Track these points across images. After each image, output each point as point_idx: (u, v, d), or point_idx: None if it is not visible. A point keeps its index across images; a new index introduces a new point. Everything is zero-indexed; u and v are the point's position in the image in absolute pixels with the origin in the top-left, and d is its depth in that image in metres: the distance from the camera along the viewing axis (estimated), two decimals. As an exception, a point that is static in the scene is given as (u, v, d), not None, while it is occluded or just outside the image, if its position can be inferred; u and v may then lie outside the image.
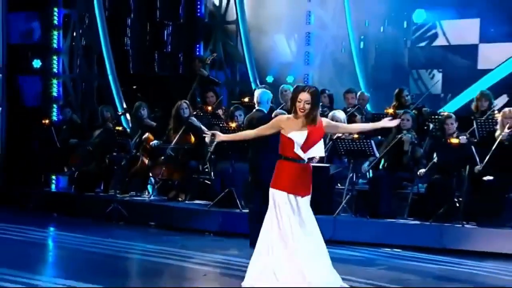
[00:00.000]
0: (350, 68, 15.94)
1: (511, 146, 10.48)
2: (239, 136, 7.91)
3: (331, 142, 11.46)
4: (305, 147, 7.27)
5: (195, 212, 12.20)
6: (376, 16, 15.91)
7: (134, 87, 15.47)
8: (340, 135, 11.27)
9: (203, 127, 12.75)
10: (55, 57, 16.15)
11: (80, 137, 14.60)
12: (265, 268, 7.27)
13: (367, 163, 11.63)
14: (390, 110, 12.55)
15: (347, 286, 7.43)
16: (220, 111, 13.90)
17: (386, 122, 7.59)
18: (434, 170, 11.01)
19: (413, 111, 12.25)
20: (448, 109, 14.15)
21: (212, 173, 12.89)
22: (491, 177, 10.48)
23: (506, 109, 10.82)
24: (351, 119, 12.28)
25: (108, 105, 14.89)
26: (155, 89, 15.63)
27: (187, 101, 13.07)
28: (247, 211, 10.84)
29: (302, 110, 7.27)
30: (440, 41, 15.82)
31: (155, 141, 13.21)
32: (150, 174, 13.56)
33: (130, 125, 14.73)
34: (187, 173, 12.85)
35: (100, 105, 15.08)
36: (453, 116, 11.21)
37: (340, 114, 11.59)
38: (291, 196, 7.29)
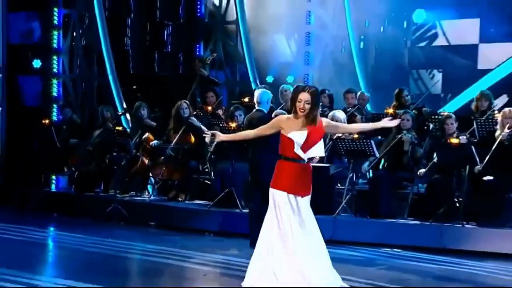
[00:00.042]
0: (350, 68, 15.94)
1: (511, 146, 10.47)
2: (239, 136, 7.90)
3: (331, 142, 11.46)
4: (305, 147, 7.27)
5: (195, 212, 12.20)
6: (376, 16, 15.91)
7: (134, 87, 15.45)
8: (340, 135, 11.27)
9: (203, 127, 12.75)
10: (55, 57, 16.14)
11: (80, 137, 14.59)
12: (265, 268, 7.26)
13: (367, 163, 11.63)
14: (390, 110, 12.55)
15: (347, 286, 7.42)
16: (220, 111, 13.90)
17: (386, 122, 7.58)
18: (434, 170, 11.01)
19: (413, 111, 12.25)
20: (448, 109, 14.15)
21: (212, 173, 12.88)
22: (491, 177, 10.48)
23: (506, 109, 10.82)
24: (351, 119, 12.27)
25: (108, 105, 14.89)
26: (155, 89, 15.61)
27: (187, 101, 13.06)
28: (247, 211, 10.84)
29: (302, 110, 7.27)
30: (440, 41, 15.82)
31: (155, 141, 13.20)
32: (150, 174, 13.55)
33: (130, 125, 14.72)
34: (187, 173, 12.84)
35: (100, 105, 15.07)
36: (453, 116, 11.20)
37: (340, 114, 11.59)
38: (291, 196, 7.28)
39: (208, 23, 16.91)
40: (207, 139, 12.36)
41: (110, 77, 16.11)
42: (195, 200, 12.82)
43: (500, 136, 10.49)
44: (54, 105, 16.15)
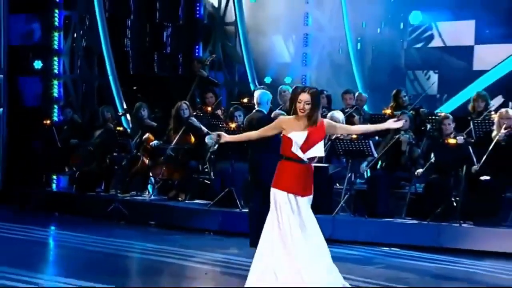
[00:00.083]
0: (347, 69, 15.96)
1: (508, 146, 10.49)
2: (243, 137, 7.87)
3: (329, 142, 11.45)
4: (305, 147, 7.24)
5: (195, 211, 12.19)
6: (373, 18, 15.94)
7: (134, 87, 15.43)
8: (338, 135, 11.26)
9: (203, 127, 12.75)
10: (56, 58, 16.10)
11: (81, 137, 14.57)
12: (266, 269, 7.24)
13: (365, 163, 11.63)
14: (388, 111, 12.57)
15: (348, 285, 7.39)
16: (219, 112, 13.89)
17: (390, 124, 7.54)
18: (431, 170, 11.00)
19: (411, 111, 12.26)
20: (444, 109, 14.13)
21: (211, 173, 12.86)
22: (488, 177, 10.50)
23: (503, 110, 10.84)
24: (349, 120, 12.27)
25: (109, 106, 14.86)
26: (155, 90, 15.59)
27: (187, 102, 13.06)
28: (247, 210, 10.83)
29: (302, 111, 7.24)
30: (436, 43, 15.85)
31: (155, 141, 13.18)
32: (151, 174, 13.54)
33: (131, 125, 14.69)
34: (187, 173, 12.84)
35: (101, 105, 15.05)
36: (450, 116, 11.21)
37: (338, 114, 11.58)
38: (291, 195, 7.25)
39: (207, 25, 16.93)
40: (207, 140, 12.46)
41: (110, 78, 16.08)
42: (195, 199, 12.81)
43: (497, 137, 10.50)
44: (55, 106, 16.11)
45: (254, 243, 10.13)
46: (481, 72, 15.02)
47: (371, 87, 15.53)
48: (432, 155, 11.01)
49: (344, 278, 7.63)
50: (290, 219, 7.22)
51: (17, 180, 15.38)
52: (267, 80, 16.19)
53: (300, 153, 7.23)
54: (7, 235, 11.33)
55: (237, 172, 11.75)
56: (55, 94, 16.11)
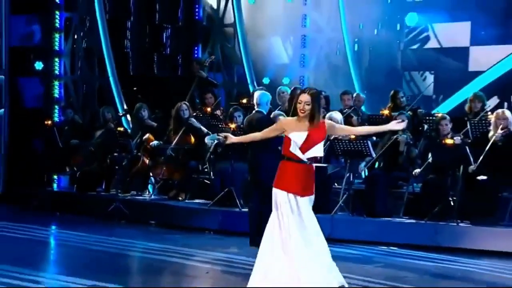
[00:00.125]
0: (344, 70, 15.96)
1: (504, 146, 10.50)
2: (248, 138, 7.88)
3: (328, 142, 11.42)
4: (304, 147, 7.24)
5: (195, 211, 12.18)
6: (370, 19, 15.95)
7: (135, 88, 15.40)
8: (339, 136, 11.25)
9: (202, 128, 12.74)
10: (57, 59, 16.09)
11: (81, 138, 14.55)
12: (269, 269, 7.22)
13: (363, 163, 11.63)
14: (386, 112, 12.57)
15: (346, 285, 7.36)
16: (218, 112, 13.87)
17: (393, 126, 7.53)
18: (429, 170, 11.01)
19: (409, 112, 12.25)
20: (440, 110, 14.18)
21: (211, 173, 12.83)
22: (484, 177, 10.49)
23: (499, 111, 10.84)
24: (347, 120, 12.27)
25: (109, 106, 14.83)
26: (154, 90, 15.56)
27: (187, 103, 13.05)
28: (246, 210, 10.83)
29: (302, 111, 7.25)
30: (432, 44, 15.85)
31: (155, 142, 13.17)
32: (151, 174, 13.51)
33: (131, 126, 14.67)
34: (187, 173, 12.82)
35: (101, 106, 15.03)
36: (448, 117, 11.22)
37: (337, 115, 11.56)
38: (291, 195, 7.25)
39: (206, 26, 16.93)
40: (207, 140, 12.49)
41: (111, 79, 16.06)
42: (195, 199, 12.80)
43: (494, 137, 10.50)
44: (56, 106, 16.08)
45: (254, 242, 10.19)
46: (477, 73, 15.00)
47: (368, 88, 15.53)
48: (430, 155, 11.01)
49: (344, 277, 7.64)
50: (289, 218, 7.22)
51: (19, 180, 15.34)
52: (265, 81, 16.18)
53: (299, 153, 7.23)
54: (9, 234, 11.32)
55: (237, 172, 11.74)
56: (56, 95, 16.10)
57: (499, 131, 10.50)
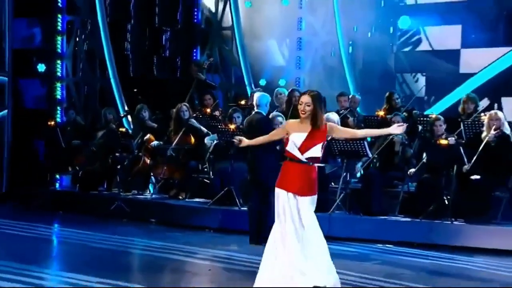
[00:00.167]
0: (339, 72, 15.96)
1: (497, 147, 10.50)
2: (258, 141, 7.87)
3: (325, 142, 11.40)
4: (303, 148, 7.23)
5: (195, 209, 12.16)
6: (364, 23, 15.95)
7: (135, 90, 15.35)
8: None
9: (202, 128, 12.73)
10: (59, 62, 16.01)
11: (83, 138, 14.50)
12: (273, 268, 7.20)
13: (360, 164, 11.61)
14: (381, 113, 12.57)
15: (339, 285, 7.30)
16: (217, 113, 13.85)
17: (394, 129, 7.52)
18: (423, 170, 11.01)
19: (404, 113, 12.24)
20: (432, 111, 14.17)
21: (211, 172, 12.80)
22: (478, 176, 10.49)
23: (492, 112, 10.86)
24: (344, 121, 12.25)
25: (111, 107, 14.78)
26: (154, 92, 15.53)
27: (187, 104, 13.04)
28: (246, 208, 10.81)
29: (303, 112, 7.26)
30: (424, 46, 15.87)
31: (155, 142, 13.16)
32: (152, 174, 13.47)
33: (132, 126, 14.63)
34: (187, 173, 12.79)
35: (102, 107, 14.99)
36: (442, 118, 11.22)
37: (334, 116, 11.54)
38: (291, 195, 7.25)
39: (204, 29, 16.95)
40: (207, 140, 12.47)
41: (112, 80, 16.02)
42: (195, 198, 12.76)
43: (487, 138, 10.50)
44: (58, 107, 16.02)
45: (254, 240, 10.20)
46: (468, 75, 15.01)
47: (362, 89, 15.51)
48: (424, 155, 11.02)
49: (342, 273, 7.71)
50: (288, 218, 7.20)
51: (22, 180, 15.28)
52: (262, 82, 16.18)
53: (297, 153, 7.24)
54: (13, 232, 11.29)
55: (236, 172, 11.71)
56: (58, 96, 16.03)
57: (492, 131, 10.50)
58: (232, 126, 11.73)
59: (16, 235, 11.12)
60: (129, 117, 14.90)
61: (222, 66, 16.67)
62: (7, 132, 15.85)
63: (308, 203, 7.25)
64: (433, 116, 11.58)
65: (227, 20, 16.53)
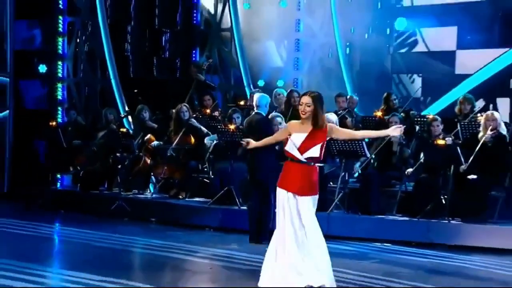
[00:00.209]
0: (337, 73, 15.96)
1: (494, 147, 10.51)
2: (264, 142, 7.84)
3: (325, 142, 11.38)
4: (302, 148, 7.22)
5: (196, 209, 12.14)
6: (361, 24, 15.95)
7: (135, 90, 15.32)
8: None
9: (202, 128, 12.71)
10: (60, 62, 15.99)
11: (84, 138, 14.47)
12: (273, 270, 7.18)
13: (358, 164, 11.61)
14: (379, 113, 12.57)
15: (335, 286, 7.27)
16: (216, 113, 13.83)
17: (393, 131, 7.51)
18: (421, 170, 11.02)
19: (401, 114, 12.23)
20: (428, 112, 14.16)
21: (210, 172, 12.78)
22: (474, 176, 10.50)
23: (489, 112, 10.86)
24: (342, 121, 12.23)
25: (111, 108, 14.75)
26: (154, 93, 15.50)
27: (186, 105, 13.02)
28: (245, 208, 10.80)
29: (303, 113, 7.25)
30: (420, 48, 15.86)
31: (155, 142, 13.13)
32: (152, 173, 13.44)
33: (132, 126, 14.61)
34: (187, 172, 12.77)
35: (103, 107, 14.96)
36: (439, 118, 11.22)
37: (332, 116, 11.52)
38: (291, 194, 7.24)
39: (204, 30, 16.93)
40: (207, 141, 12.46)
41: (112, 81, 15.99)
42: (195, 197, 12.74)
43: (483, 138, 10.49)
44: (59, 108, 15.99)
45: (253, 239, 10.19)
46: (463, 76, 15.01)
47: (360, 90, 15.51)
48: (422, 155, 11.04)
49: (341, 272, 7.75)
50: (288, 218, 7.19)
51: (23, 180, 15.26)
52: (260, 83, 16.17)
53: (296, 153, 7.23)
54: (15, 231, 11.27)
55: (236, 171, 11.70)
56: (59, 97, 16.01)
57: (489, 132, 10.51)
58: (232, 127, 11.71)
59: (18, 234, 11.11)
60: (129, 117, 14.87)
61: (221, 67, 16.66)
62: (9, 133, 15.84)
63: (309, 203, 7.24)
64: (430, 116, 11.57)
65: (226, 21, 16.52)
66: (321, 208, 10.77)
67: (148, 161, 13.23)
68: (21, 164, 15.72)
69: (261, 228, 10.11)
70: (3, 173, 15.64)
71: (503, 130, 10.68)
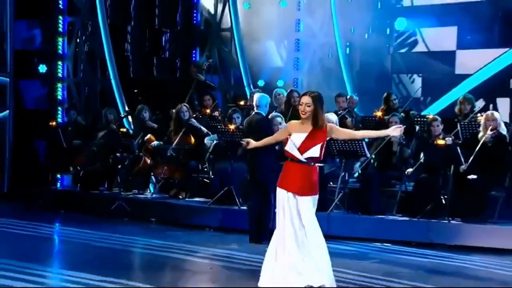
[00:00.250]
0: (337, 73, 15.96)
1: (494, 147, 10.50)
2: (264, 142, 7.84)
3: (325, 142, 11.37)
4: (302, 148, 7.21)
5: (196, 209, 12.14)
6: (361, 24, 15.95)
7: (135, 90, 15.32)
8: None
9: (202, 128, 12.71)
10: (60, 62, 15.98)
11: (84, 138, 14.46)
12: (275, 268, 7.17)
13: (358, 164, 11.60)
14: (379, 113, 12.56)
15: (335, 286, 7.27)
16: (216, 113, 13.82)
17: (392, 131, 7.50)
18: (421, 170, 11.02)
19: (401, 114, 12.22)
20: (428, 112, 14.16)
21: (210, 172, 12.77)
22: (474, 176, 10.49)
23: (489, 112, 10.85)
24: (342, 121, 12.23)
25: (111, 108, 14.75)
26: (154, 93, 15.50)
27: (186, 105, 13.01)
28: (245, 208, 10.79)
29: (303, 113, 7.25)
30: (420, 48, 15.86)
31: (155, 142, 13.13)
32: (152, 173, 13.44)
33: (132, 127, 14.60)
34: (187, 172, 12.76)
35: (103, 107, 14.95)
36: (439, 118, 11.21)
37: (332, 116, 11.51)
38: (290, 194, 7.23)
39: (204, 30, 16.94)
40: (207, 141, 12.45)
41: (112, 81, 15.98)
42: (195, 197, 12.73)
43: (483, 138, 10.48)
44: (59, 108, 15.99)
45: (253, 239, 10.19)
46: (463, 76, 15.01)
47: (360, 90, 15.52)
48: (422, 155, 11.03)
49: (341, 272, 7.74)
50: (288, 218, 7.19)
51: (23, 180, 15.25)
52: (260, 83, 16.17)
53: (296, 153, 7.23)
54: (15, 231, 11.26)
55: (236, 172, 11.69)
56: (59, 97, 16.00)
57: (489, 132, 10.50)
58: (232, 127, 11.71)
59: (18, 234, 11.10)
60: (129, 117, 14.86)
61: (221, 67, 16.66)
62: (9, 133, 15.84)
63: (309, 203, 7.23)
64: (430, 116, 11.57)
65: (226, 21, 16.52)
66: (321, 208, 10.79)
67: (148, 161, 13.23)
68: (21, 164, 15.71)
69: (261, 228, 10.10)
70: (3, 173, 15.64)
71: (503, 130, 10.67)
